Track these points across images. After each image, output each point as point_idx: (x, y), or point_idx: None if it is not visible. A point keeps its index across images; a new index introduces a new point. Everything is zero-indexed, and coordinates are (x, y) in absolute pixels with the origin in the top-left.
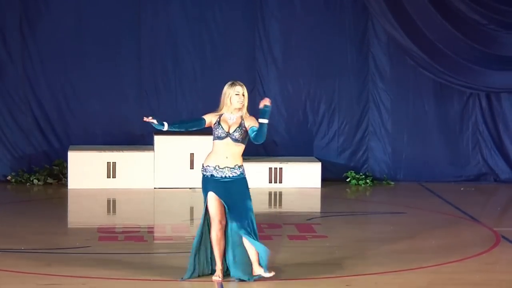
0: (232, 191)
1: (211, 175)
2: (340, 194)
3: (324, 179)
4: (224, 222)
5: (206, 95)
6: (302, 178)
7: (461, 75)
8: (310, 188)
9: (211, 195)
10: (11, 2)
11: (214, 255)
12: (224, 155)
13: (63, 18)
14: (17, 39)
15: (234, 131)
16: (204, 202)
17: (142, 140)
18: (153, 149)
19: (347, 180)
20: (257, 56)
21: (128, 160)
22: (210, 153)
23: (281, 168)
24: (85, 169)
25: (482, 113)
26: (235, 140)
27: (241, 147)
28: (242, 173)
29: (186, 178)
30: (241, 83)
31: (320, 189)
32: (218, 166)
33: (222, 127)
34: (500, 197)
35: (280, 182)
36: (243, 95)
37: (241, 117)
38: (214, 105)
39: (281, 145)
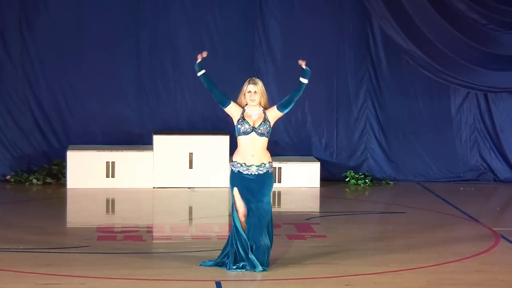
0: (254, 191)
1: (238, 171)
2: (339, 194)
3: (323, 179)
4: (244, 218)
5: (206, 95)
6: (301, 177)
7: (460, 75)
8: (309, 188)
9: (236, 191)
10: (10, 2)
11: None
12: (250, 153)
13: (62, 18)
14: (16, 39)
15: (260, 125)
16: (232, 195)
17: (141, 140)
18: (152, 149)
19: (346, 180)
20: (256, 56)
21: (127, 160)
22: (237, 149)
23: (280, 167)
24: (84, 168)
25: (480, 113)
26: (261, 135)
27: (265, 141)
28: (269, 170)
29: (185, 177)
30: (256, 81)
31: (319, 189)
32: (245, 164)
33: (247, 122)
34: (499, 197)
35: (279, 181)
36: (255, 92)
37: (263, 111)
38: (215, 104)
39: (280, 144)
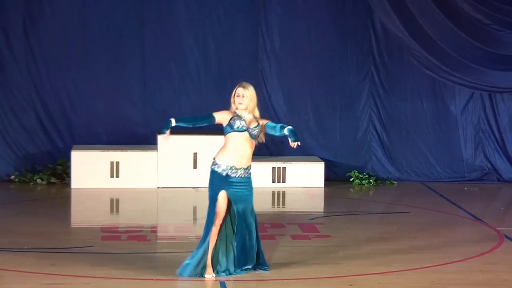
0: (243, 194)
1: (226, 174)
2: (344, 193)
3: (328, 179)
4: (224, 219)
5: (210, 95)
6: (306, 177)
7: (464, 75)
8: (314, 188)
9: (223, 194)
10: (15, 2)
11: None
12: (240, 153)
13: (66, 18)
14: (21, 39)
15: (255, 127)
16: (213, 197)
17: (145, 139)
18: (156, 149)
19: (351, 179)
20: (260, 56)
21: (132, 160)
22: (224, 148)
23: (285, 167)
24: (89, 168)
25: (485, 113)
26: (254, 137)
27: (253, 144)
28: (251, 173)
29: (190, 177)
30: (246, 85)
31: (323, 189)
32: (235, 167)
33: (242, 119)
34: (503, 197)
35: (284, 181)
36: (243, 96)
37: (254, 118)
38: (217, 105)
39: (284, 144)
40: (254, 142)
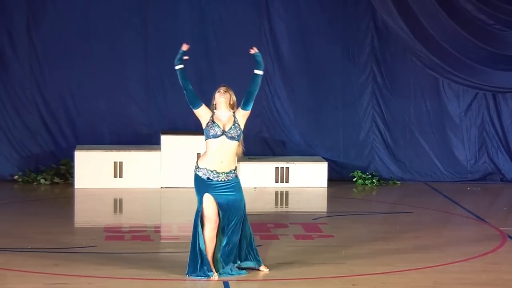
0: (229, 200)
1: (207, 178)
2: (347, 193)
3: (331, 179)
4: (217, 223)
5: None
6: (309, 177)
7: (468, 75)
8: (317, 188)
9: (208, 197)
10: (18, 2)
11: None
12: (219, 159)
13: (70, 18)
14: (24, 39)
15: (230, 129)
16: (199, 201)
17: (149, 139)
18: (160, 149)
19: (354, 179)
20: (263, 55)
21: (135, 160)
22: (205, 153)
23: (288, 167)
24: (92, 168)
25: (489, 113)
26: (231, 138)
27: (235, 145)
28: (237, 176)
29: (193, 177)
30: (226, 85)
31: (326, 189)
32: (216, 171)
33: (217, 125)
34: (506, 197)
35: (287, 181)
36: (225, 91)
37: (233, 115)
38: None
39: (287, 145)
40: (235, 142)
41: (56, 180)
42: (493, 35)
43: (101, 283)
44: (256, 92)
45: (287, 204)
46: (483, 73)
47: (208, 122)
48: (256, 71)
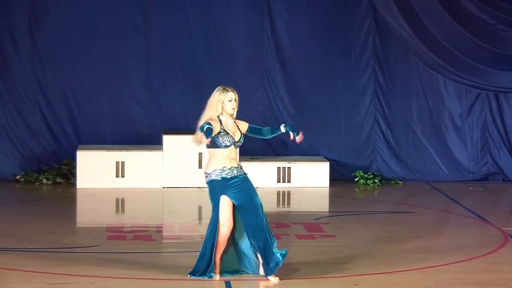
0: (243, 190)
1: (221, 177)
2: (348, 193)
3: (333, 179)
4: (231, 228)
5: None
6: (311, 177)
7: (470, 75)
8: (319, 188)
9: (225, 199)
10: (20, 2)
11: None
12: (228, 160)
13: (72, 18)
14: (26, 39)
15: (239, 139)
16: (216, 205)
17: (150, 139)
18: (161, 149)
19: (356, 179)
20: (265, 56)
21: (137, 160)
22: (211, 160)
23: (290, 167)
24: (94, 168)
25: (491, 113)
26: (237, 147)
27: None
28: (245, 172)
29: (195, 177)
30: (233, 89)
31: (328, 189)
32: (226, 167)
33: (229, 136)
34: (508, 197)
35: (289, 181)
36: (235, 100)
37: (234, 122)
38: None
39: (289, 145)
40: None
41: (58, 180)
42: (495, 35)
43: (103, 283)
44: (263, 138)
45: (289, 204)
46: (485, 73)
47: (220, 132)
48: (282, 127)
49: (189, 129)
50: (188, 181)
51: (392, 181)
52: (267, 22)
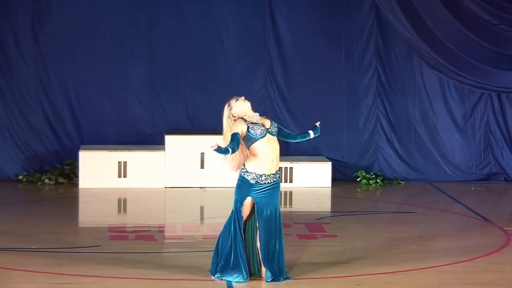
0: (268, 196)
1: (256, 182)
2: (351, 193)
3: (335, 179)
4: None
5: (217, 95)
6: (313, 177)
7: (472, 75)
8: (321, 188)
9: (249, 201)
10: (23, 2)
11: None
12: (270, 158)
13: (74, 18)
14: (29, 39)
15: (271, 125)
16: (239, 204)
17: (153, 139)
18: (164, 149)
19: (358, 179)
20: (266, 56)
21: (139, 160)
22: (254, 158)
23: (292, 167)
24: (96, 168)
25: (494, 113)
26: (274, 134)
27: (278, 143)
28: (279, 178)
29: (197, 177)
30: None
31: (330, 189)
32: (265, 174)
33: (260, 125)
34: (511, 197)
35: (291, 181)
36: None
37: (260, 115)
38: (224, 105)
39: (291, 145)
40: (276, 138)
41: (61, 180)
42: (497, 35)
43: (105, 283)
44: (292, 142)
45: (291, 204)
46: (487, 73)
47: (248, 127)
48: (310, 132)
49: (191, 129)
50: (190, 181)
51: (394, 181)
52: (269, 22)
